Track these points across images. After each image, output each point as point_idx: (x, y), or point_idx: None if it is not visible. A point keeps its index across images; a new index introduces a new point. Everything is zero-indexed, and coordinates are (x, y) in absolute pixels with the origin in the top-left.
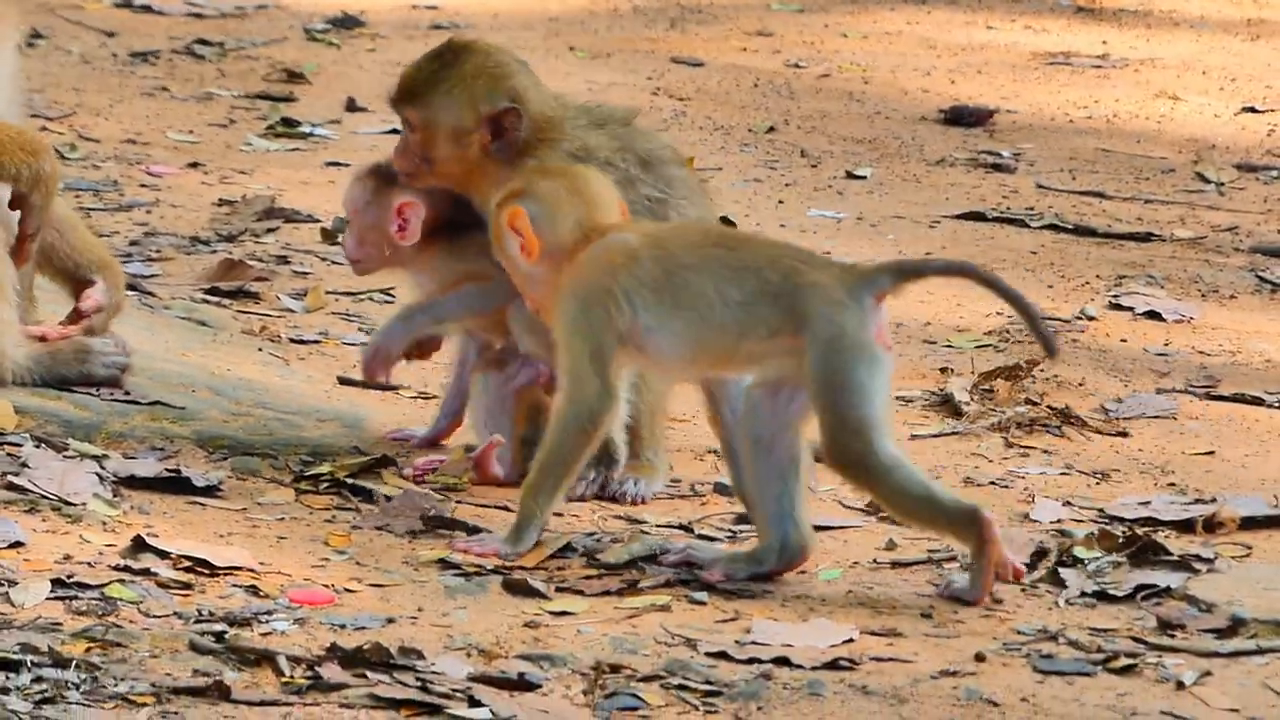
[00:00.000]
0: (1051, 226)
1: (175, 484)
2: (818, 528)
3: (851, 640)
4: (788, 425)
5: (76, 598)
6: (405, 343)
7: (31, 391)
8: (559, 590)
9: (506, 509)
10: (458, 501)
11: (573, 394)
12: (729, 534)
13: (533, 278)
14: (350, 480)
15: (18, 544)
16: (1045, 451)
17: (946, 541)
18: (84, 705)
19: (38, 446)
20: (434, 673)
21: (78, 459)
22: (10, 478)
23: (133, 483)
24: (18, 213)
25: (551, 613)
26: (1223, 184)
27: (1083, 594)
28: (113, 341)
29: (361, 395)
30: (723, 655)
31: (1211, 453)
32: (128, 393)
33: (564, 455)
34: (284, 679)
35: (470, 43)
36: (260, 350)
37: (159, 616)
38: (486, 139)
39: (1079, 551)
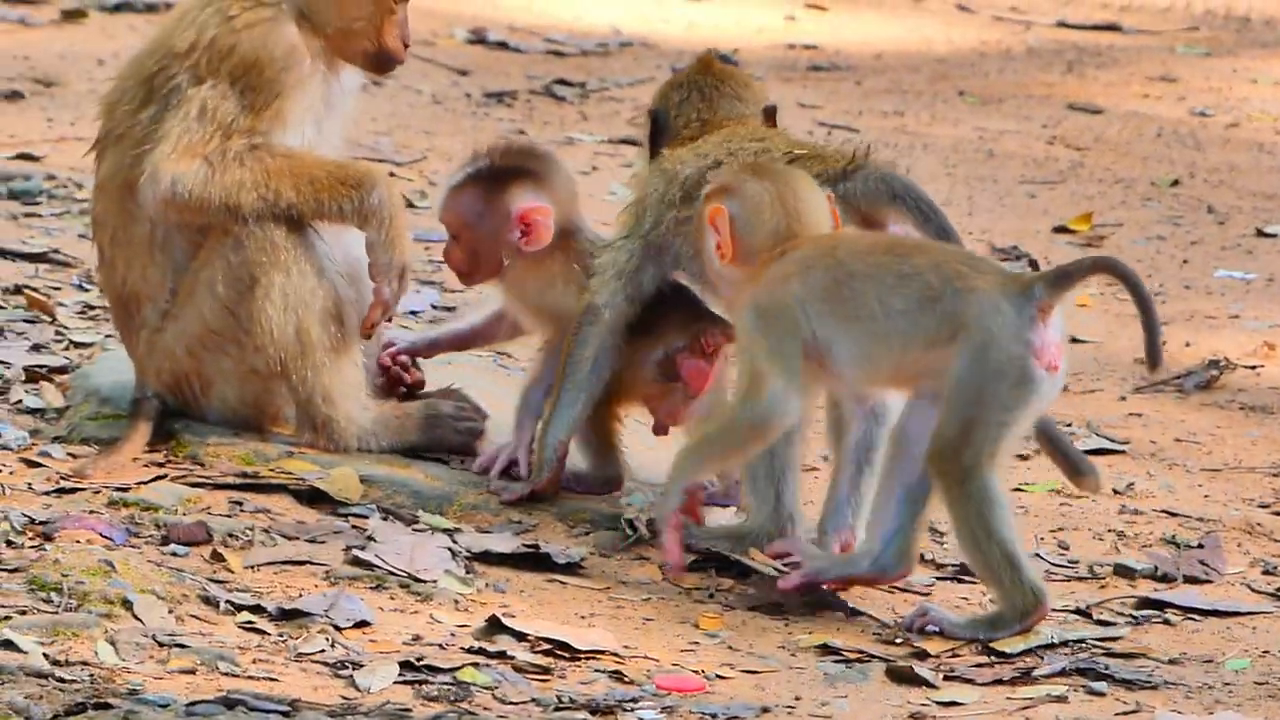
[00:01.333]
0: None
1: (533, 560)
2: (1222, 614)
3: None
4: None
5: (427, 682)
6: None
7: (378, 459)
8: (947, 679)
9: (893, 591)
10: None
11: (746, 394)
12: (1130, 619)
13: (724, 277)
14: (720, 555)
15: (364, 623)
16: None
17: (988, 594)
18: None
19: (385, 519)
20: None
21: (428, 532)
22: (356, 552)
23: (487, 558)
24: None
25: (939, 703)
26: None
27: None
28: (465, 404)
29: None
30: None
31: None
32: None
33: (723, 444)
34: None
35: (703, 56)
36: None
37: (516, 703)
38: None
39: None
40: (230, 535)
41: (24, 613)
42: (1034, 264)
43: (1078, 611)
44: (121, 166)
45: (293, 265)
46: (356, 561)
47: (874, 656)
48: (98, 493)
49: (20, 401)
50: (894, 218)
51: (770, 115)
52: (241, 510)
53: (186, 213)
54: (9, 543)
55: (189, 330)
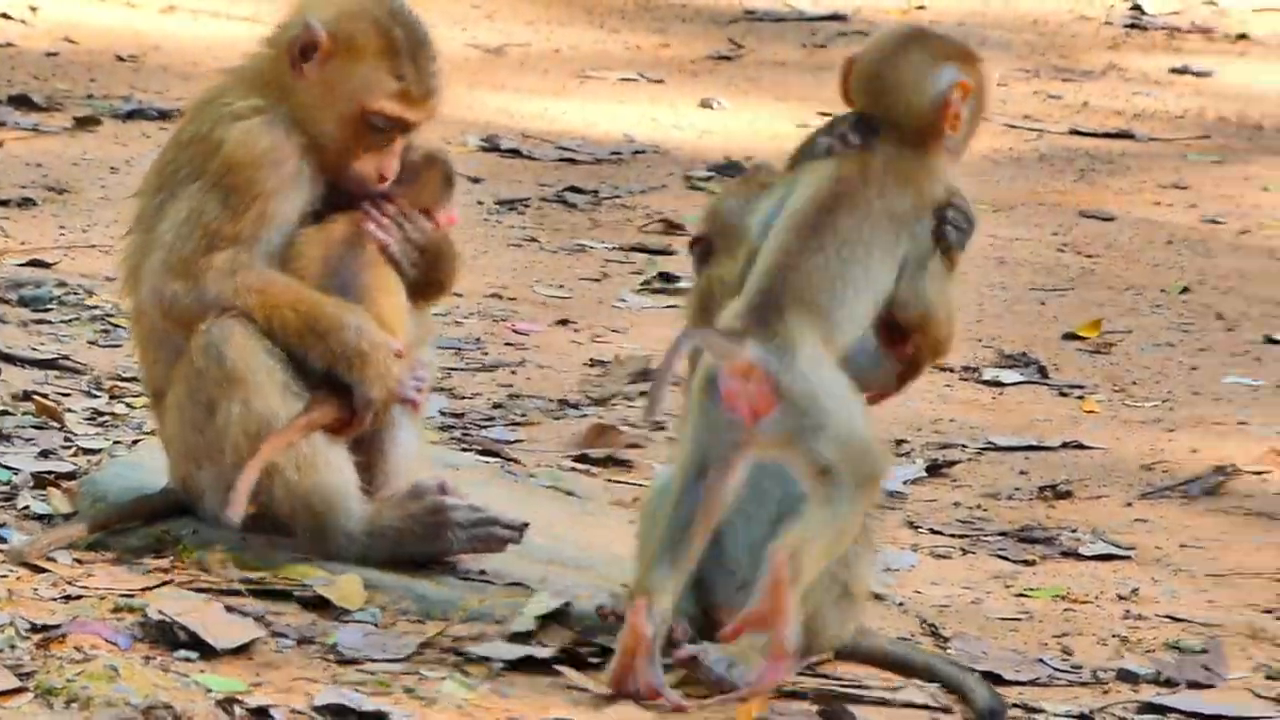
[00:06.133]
0: None
1: (532, 663)
2: (1225, 719)
3: None
4: None
5: None
6: None
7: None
8: None
9: None
10: None
11: None
12: None
13: None
14: None
15: None
16: None
17: None
18: None
19: (389, 625)
20: None
21: (430, 636)
22: (353, 654)
23: (491, 663)
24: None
25: None
26: None
27: None
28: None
29: None
30: None
31: None
32: (482, 572)
33: None
34: None
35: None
36: (632, 523)
37: None
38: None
39: None
40: None
41: None
42: (1043, 370)
43: (1081, 717)
44: (131, 253)
45: (252, 393)
46: (348, 661)
47: None
48: (103, 598)
49: (28, 508)
50: None
51: None
52: (244, 615)
53: (181, 327)
54: (13, 648)
55: (181, 436)
